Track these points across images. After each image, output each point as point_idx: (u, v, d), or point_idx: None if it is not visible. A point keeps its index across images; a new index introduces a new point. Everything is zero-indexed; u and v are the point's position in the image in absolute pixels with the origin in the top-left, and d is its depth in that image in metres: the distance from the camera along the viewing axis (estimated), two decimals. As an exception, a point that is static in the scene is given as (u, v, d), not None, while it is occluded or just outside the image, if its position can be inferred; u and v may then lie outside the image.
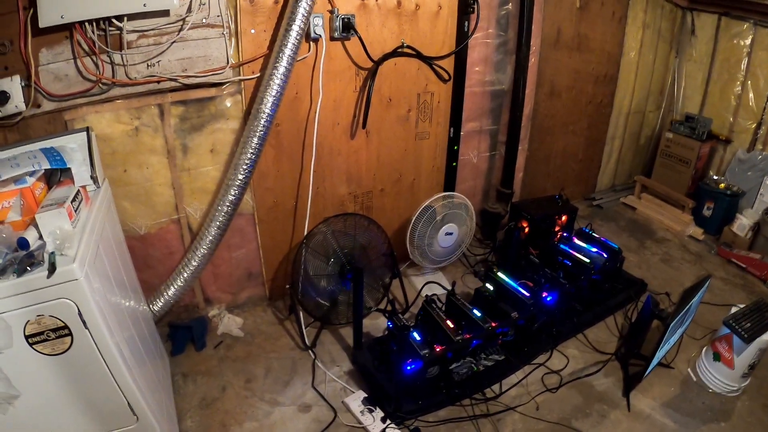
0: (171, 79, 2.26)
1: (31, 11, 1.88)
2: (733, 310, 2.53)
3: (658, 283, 3.34)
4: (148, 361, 2.03)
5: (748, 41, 3.95)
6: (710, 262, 3.70)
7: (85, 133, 1.88)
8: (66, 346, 1.47)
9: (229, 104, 2.46)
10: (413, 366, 2.20)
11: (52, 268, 1.35)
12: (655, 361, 2.44)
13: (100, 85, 2.13)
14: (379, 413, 2.29)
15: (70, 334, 1.45)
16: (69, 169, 1.76)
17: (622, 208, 4.51)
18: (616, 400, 2.47)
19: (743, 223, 3.76)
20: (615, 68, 4.05)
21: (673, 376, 2.64)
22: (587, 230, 3.26)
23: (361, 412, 2.30)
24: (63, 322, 1.42)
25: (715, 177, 4.19)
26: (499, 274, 2.77)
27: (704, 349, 2.65)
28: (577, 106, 3.98)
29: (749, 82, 3.99)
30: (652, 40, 4.16)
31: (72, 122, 2.15)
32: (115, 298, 1.74)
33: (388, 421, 2.24)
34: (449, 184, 3.36)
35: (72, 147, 1.83)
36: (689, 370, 2.66)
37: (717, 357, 2.50)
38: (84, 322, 1.44)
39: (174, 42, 2.21)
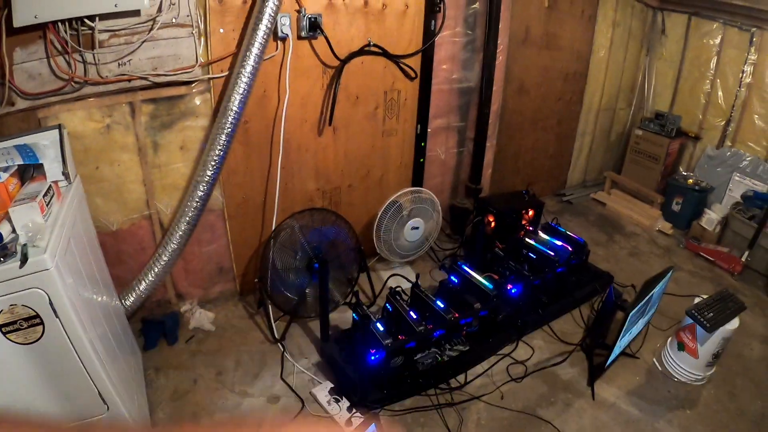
0: (142, 78, 2.29)
1: (6, 11, 1.91)
2: (697, 300, 2.58)
3: (626, 276, 3.41)
4: (120, 354, 2.08)
5: (717, 40, 4.05)
6: (679, 255, 3.79)
7: (57, 130, 1.92)
8: (38, 335, 1.51)
9: (198, 102, 2.50)
10: (377, 356, 2.26)
11: (24, 259, 1.40)
12: (617, 350, 2.49)
13: (73, 83, 2.16)
14: (345, 403, 2.34)
15: (42, 323, 1.50)
16: (42, 165, 1.80)
17: (592, 204, 4.59)
18: (581, 389, 2.54)
19: (711, 217, 3.85)
20: (584, 66, 4.13)
21: (639, 365, 2.70)
22: (554, 224, 3.33)
23: (327, 402, 2.36)
24: (35, 312, 1.47)
25: (685, 173, 4.28)
26: (464, 267, 2.83)
27: (669, 339, 2.71)
28: (546, 103, 4.05)
29: (718, 80, 4.09)
30: (622, 38, 4.25)
31: (45, 120, 2.18)
32: (85, 289, 1.78)
33: (354, 410, 2.30)
34: (417, 179, 3.42)
35: (44, 144, 1.87)
36: (654, 359, 2.73)
37: (681, 346, 2.57)
38: (55, 311, 1.49)
39: (145, 41, 2.24)
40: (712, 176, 4.13)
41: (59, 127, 1.93)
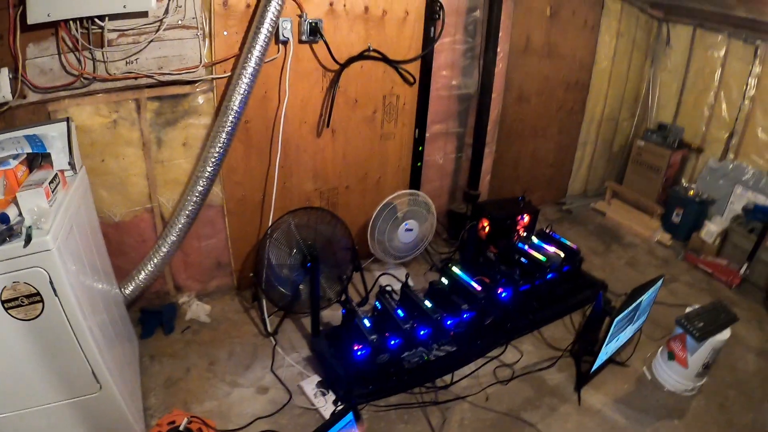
0: (148, 76, 2.39)
1: (20, 9, 2.02)
2: (688, 309, 2.59)
3: (621, 285, 3.38)
4: (116, 339, 2.16)
5: (722, 52, 4.05)
6: (676, 267, 3.78)
7: (65, 123, 2.02)
8: (38, 312, 1.61)
9: (201, 101, 2.59)
10: (363, 351, 2.32)
11: (28, 239, 1.50)
12: (603, 356, 2.50)
13: (82, 79, 2.27)
14: (331, 396, 2.40)
15: (42, 300, 1.60)
16: (49, 154, 1.91)
17: (591, 213, 4.58)
18: (567, 395, 2.55)
19: (711, 230, 3.83)
20: (587, 75, 4.14)
21: (628, 374, 2.71)
22: (548, 231, 3.35)
23: (314, 394, 2.42)
24: (36, 289, 1.57)
25: (686, 185, 4.28)
26: (454, 269, 2.87)
27: (660, 348, 2.71)
28: (547, 112, 4.07)
29: (722, 92, 4.09)
30: (626, 49, 4.26)
31: (55, 113, 2.29)
32: (85, 272, 1.88)
33: (339, 404, 2.35)
34: (414, 183, 3.46)
35: (53, 135, 1.98)
36: (645, 368, 2.73)
37: (671, 356, 2.57)
38: (54, 290, 1.59)
39: (151, 41, 2.35)
40: (714, 188, 4.12)
41: (67, 119, 2.04)
